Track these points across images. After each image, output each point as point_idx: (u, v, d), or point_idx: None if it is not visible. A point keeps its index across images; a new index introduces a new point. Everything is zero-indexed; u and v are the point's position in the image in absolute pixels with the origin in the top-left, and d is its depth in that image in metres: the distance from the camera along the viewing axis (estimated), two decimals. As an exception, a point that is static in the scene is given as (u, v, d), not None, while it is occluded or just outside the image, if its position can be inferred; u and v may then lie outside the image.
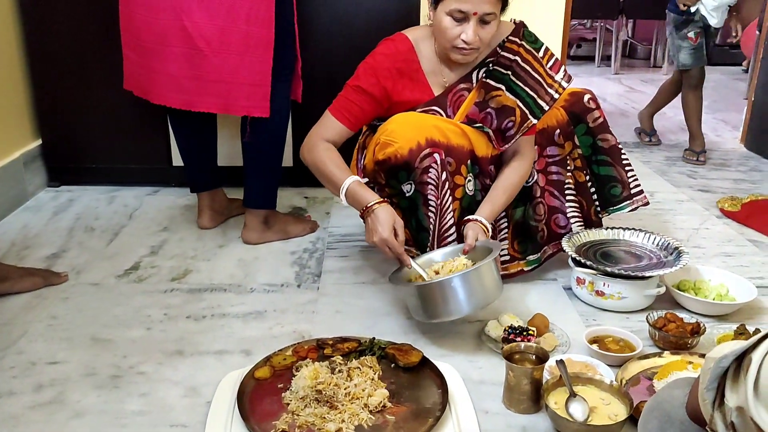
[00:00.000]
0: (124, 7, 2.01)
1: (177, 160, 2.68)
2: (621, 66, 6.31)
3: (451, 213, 1.76)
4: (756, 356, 0.73)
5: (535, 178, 1.92)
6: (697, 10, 3.35)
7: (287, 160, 2.54)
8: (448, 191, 1.74)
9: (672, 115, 4.38)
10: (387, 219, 1.64)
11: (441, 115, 1.83)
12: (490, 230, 1.76)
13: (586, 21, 7.14)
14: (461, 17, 1.70)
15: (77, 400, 1.39)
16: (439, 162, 1.70)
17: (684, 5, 3.35)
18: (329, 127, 1.82)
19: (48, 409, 1.37)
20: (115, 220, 2.40)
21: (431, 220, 1.72)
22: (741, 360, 0.76)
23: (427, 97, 1.84)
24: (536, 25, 1.88)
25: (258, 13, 1.91)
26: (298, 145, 1.90)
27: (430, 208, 1.72)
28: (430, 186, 1.70)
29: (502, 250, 1.92)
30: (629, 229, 1.98)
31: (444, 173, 1.72)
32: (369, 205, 1.67)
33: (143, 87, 2.06)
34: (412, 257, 1.69)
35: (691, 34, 3.37)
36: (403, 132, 1.70)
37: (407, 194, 1.73)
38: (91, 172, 2.70)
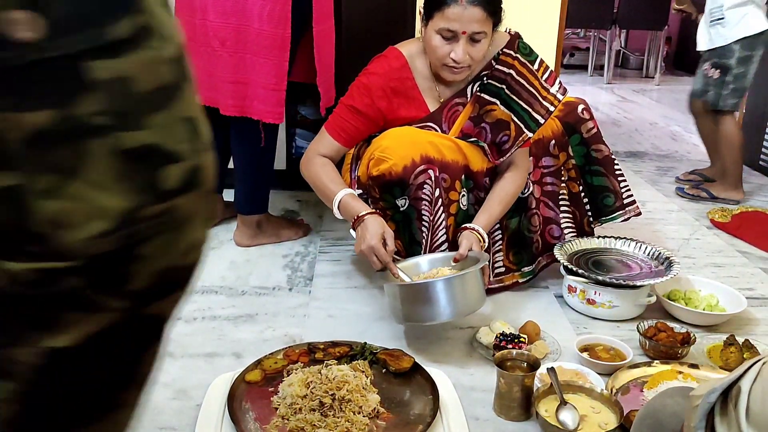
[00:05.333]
0: (178, 12, 2.03)
1: (169, 161, 2.66)
2: (613, 76, 6.34)
3: (444, 230, 1.76)
4: (745, 385, 0.74)
5: (531, 189, 1.92)
6: None
7: (280, 163, 2.53)
8: (441, 208, 1.74)
9: (664, 125, 4.41)
10: (376, 228, 1.65)
11: (436, 130, 1.82)
12: (485, 239, 1.76)
13: (579, 30, 7.18)
14: (450, 36, 1.69)
15: (65, 401, 1.38)
16: (433, 178, 1.70)
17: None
18: (326, 144, 1.84)
19: (36, 409, 1.35)
20: (106, 220, 2.38)
21: (424, 234, 1.73)
22: (727, 393, 0.76)
23: (423, 114, 1.83)
24: (530, 33, 1.88)
25: (273, 11, 1.87)
26: (292, 148, 1.90)
27: (423, 222, 1.73)
28: (424, 202, 1.71)
29: (497, 261, 1.92)
30: (621, 238, 1.99)
31: (438, 190, 1.72)
32: (360, 215, 1.67)
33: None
34: (398, 261, 1.69)
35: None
36: (398, 149, 1.69)
37: (401, 208, 1.73)
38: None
